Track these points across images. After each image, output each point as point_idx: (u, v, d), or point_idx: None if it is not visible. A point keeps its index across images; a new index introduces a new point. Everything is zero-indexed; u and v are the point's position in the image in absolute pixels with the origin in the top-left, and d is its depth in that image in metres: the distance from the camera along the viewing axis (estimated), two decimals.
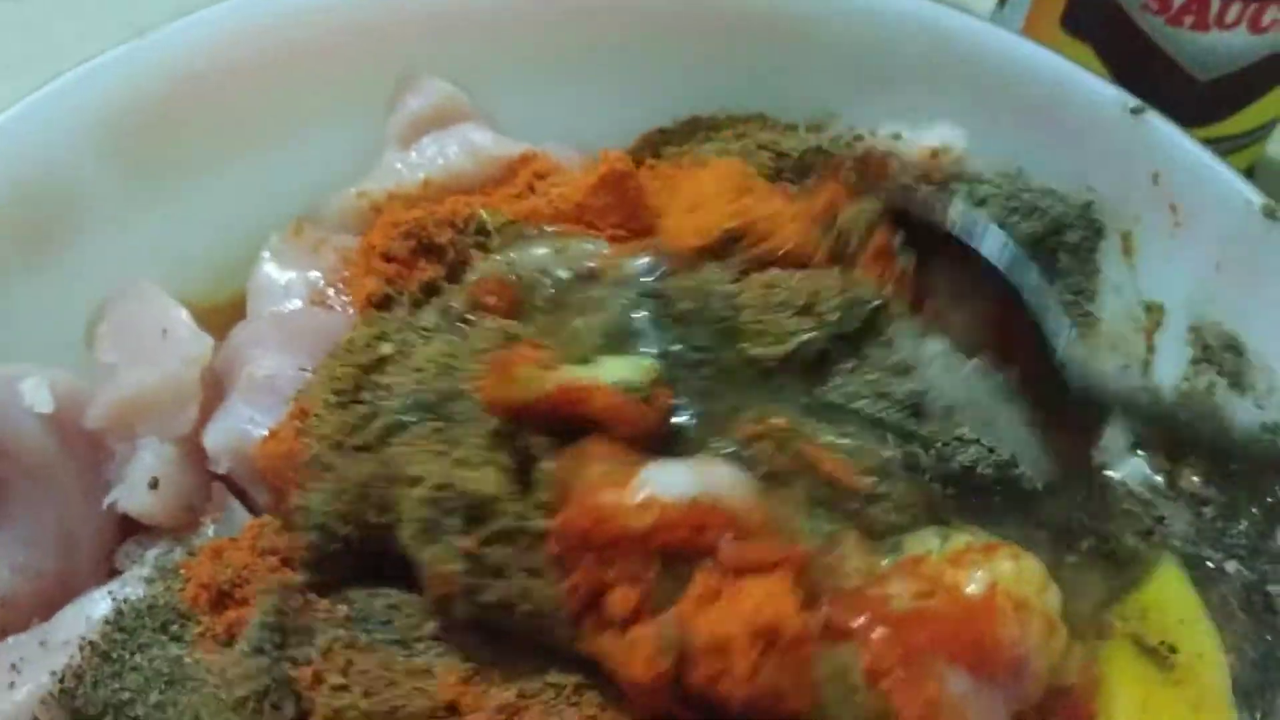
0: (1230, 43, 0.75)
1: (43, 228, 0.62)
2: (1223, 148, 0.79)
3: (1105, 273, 0.67)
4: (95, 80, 0.62)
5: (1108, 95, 0.64)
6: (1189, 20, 0.74)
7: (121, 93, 0.63)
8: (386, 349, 0.58)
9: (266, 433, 0.57)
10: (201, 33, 0.65)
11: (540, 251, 0.62)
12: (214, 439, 0.58)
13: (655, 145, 0.74)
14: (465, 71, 0.71)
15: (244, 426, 0.57)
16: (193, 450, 0.58)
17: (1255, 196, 0.60)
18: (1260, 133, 0.82)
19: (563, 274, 0.61)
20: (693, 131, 0.75)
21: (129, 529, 0.58)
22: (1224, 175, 0.61)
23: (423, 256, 0.63)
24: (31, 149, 0.61)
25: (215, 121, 0.66)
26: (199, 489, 0.58)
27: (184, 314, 0.59)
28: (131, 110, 0.63)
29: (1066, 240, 0.67)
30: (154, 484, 0.56)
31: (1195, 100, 0.78)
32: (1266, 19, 0.73)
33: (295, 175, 0.68)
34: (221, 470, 0.57)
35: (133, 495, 0.56)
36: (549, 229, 0.64)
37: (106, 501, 0.57)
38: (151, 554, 0.57)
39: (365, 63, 0.69)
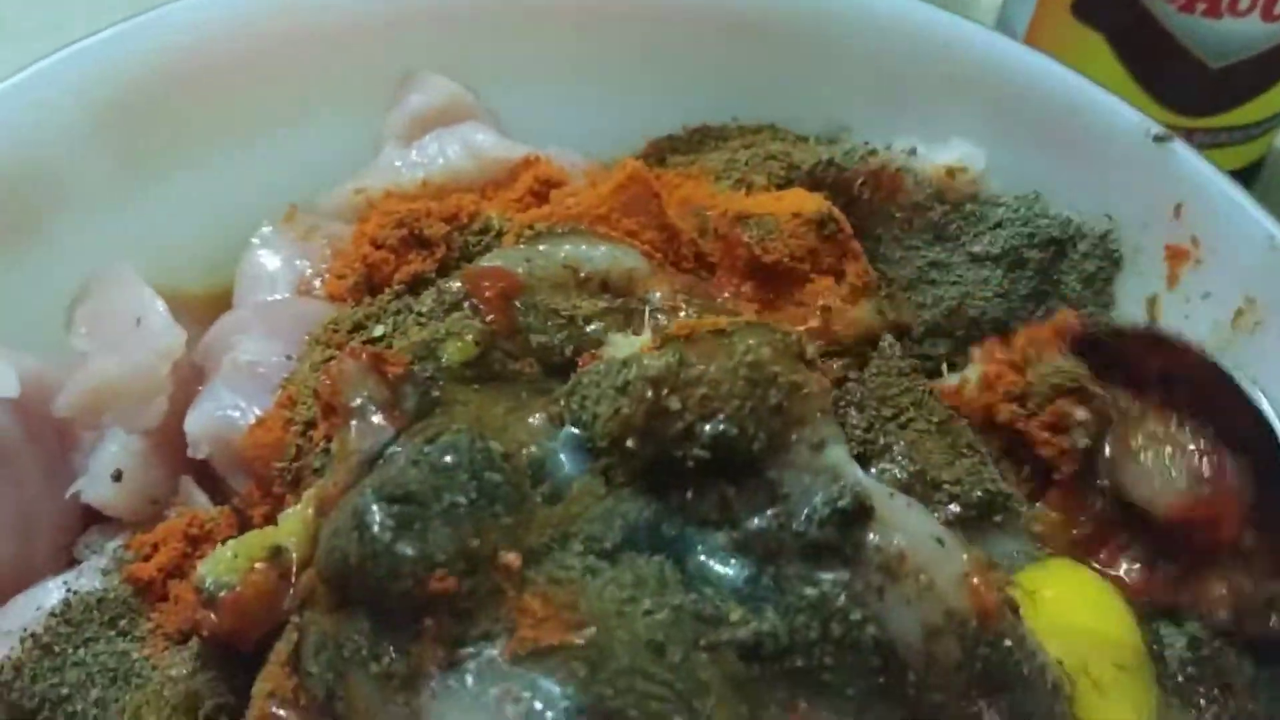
0: (1243, 30, 0.74)
1: (26, 210, 0.61)
2: (1234, 137, 0.80)
3: (1120, 305, 0.64)
4: (85, 60, 0.61)
5: (1131, 120, 0.61)
6: (1201, 7, 0.73)
7: (113, 74, 0.62)
8: (379, 330, 0.57)
9: (252, 420, 0.55)
10: (200, 16, 0.63)
11: (568, 248, 0.57)
12: (195, 424, 0.56)
13: (662, 153, 0.72)
14: (471, 70, 0.70)
15: (228, 413, 0.56)
16: (160, 443, 0.57)
17: (1279, 232, 0.57)
18: (1271, 123, 0.81)
19: (594, 269, 0.57)
20: (701, 141, 0.73)
21: (92, 518, 0.57)
22: (1247, 208, 0.58)
23: (413, 248, 0.61)
24: (17, 129, 0.60)
25: (211, 108, 0.65)
26: (164, 482, 0.57)
27: (160, 304, 0.57)
28: (123, 93, 0.62)
29: (1083, 269, 0.65)
30: (117, 476, 0.55)
31: (1206, 88, 0.78)
32: (1279, 7, 0.72)
33: (292, 167, 0.67)
34: (201, 455, 0.56)
35: (96, 486, 0.55)
36: (581, 227, 0.60)
37: (70, 491, 0.56)
38: (111, 545, 0.55)
39: (368, 57, 0.68)
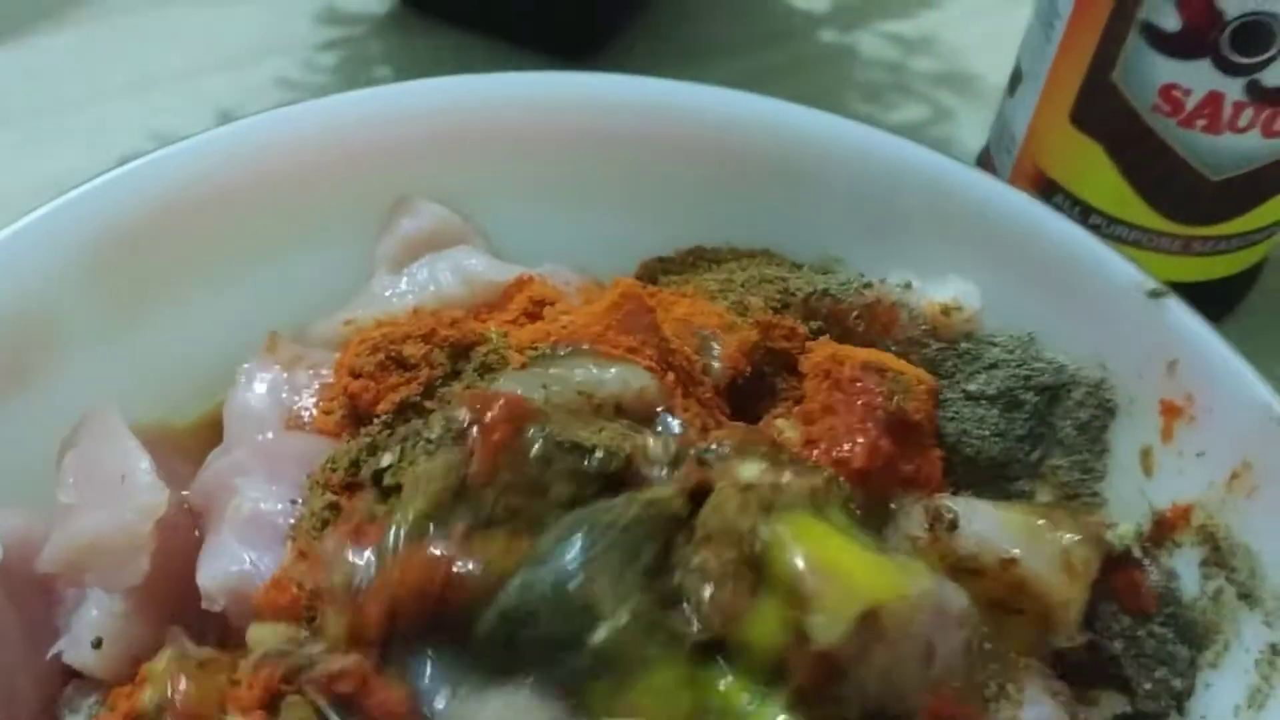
0: (1242, 145, 0.74)
1: (17, 357, 0.61)
2: (1233, 244, 0.80)
3: (1115, 453, 0.63)
4: (74, 210, 0.61)
5: (1126, 273, 0.61)
6: (1201, 123, 0.73)
7: (102, 221, 0.62)
8: (386, 460, 0.55)
9: (266, 573, 0.55)
10: (186, 160, 0.63)
11: (579, 370, 0.55)
12: (210, 579, 0.55)
13: (654, 274, 0.72)
14: (461, 196, 0.69)
15: (243, 568, 0.55)
16: (142, 600, 0.56)
17: (1275, 401, 0.56)
18: (1273, 229, 0.81)
19: (608, 392, 0.55)
20: (695, 262, 0.72)
21: (73, 673, 0.57)
22: (1243, 373, 0.57)
23: (392, 372, 0.60)
24: (11, 280, 0.60)
25: (199, 247, 0.65)
26: (146, 641, 0.56)
27: (144, 461, 0.57)
28: (112, 238, 0.62)
29: (1077, 417, 0.64)
30: (97, 643, 0.55)
31: (1206, 199, 0.77)
32: (1279, 124, 0.72)
33: (282, 300, 0.67)
34: (217, 609, 0.55)
35: (76, 649, 0.55)
36: (585, 347, 0.58)
37: (51, 652, 0.56)
38: (87, 703, 0.55)
39: (358, 186, 0.68)
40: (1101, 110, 0.77)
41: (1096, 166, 0.78)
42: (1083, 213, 0.81)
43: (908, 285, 0.67)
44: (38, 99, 0.97)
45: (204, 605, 0.55)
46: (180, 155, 0.63)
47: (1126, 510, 0.62)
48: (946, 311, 0.66)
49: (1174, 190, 0.77)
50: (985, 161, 0.89)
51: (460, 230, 0.67)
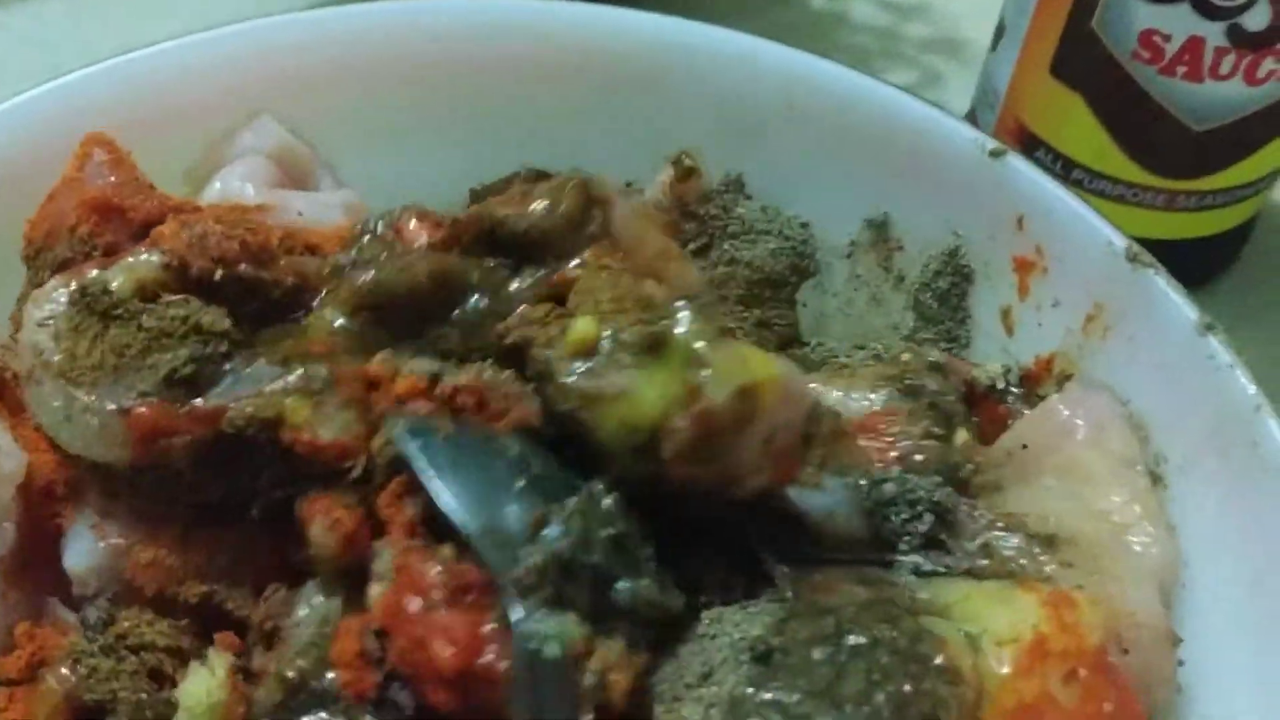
0: (1225, 94, 0.72)
1: None
2: (1219, 199, 0.78)
3: (976, 318, 0.65)
4: None
5: (965, 136, 0.62)
6: (1182, 70, 0.71)
7: None
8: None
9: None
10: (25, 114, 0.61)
11: None
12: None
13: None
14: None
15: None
16: (10, 570, 0.54)
17: (1118, 239, 0.58)
18: (1260, 184, 0.79)
19: None
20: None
21: None
22: (1087, 216, 0.59)
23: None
24: None
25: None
26: (23, 610, 0.54)
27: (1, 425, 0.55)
28: None
29: (937, 286, 0.65)
30: None
31: (1190, 151, 0.75)
32: (1262, 71, 0.71)
33: None
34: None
35: None
36: None
37: None
38: None
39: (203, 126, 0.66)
40: (1081, 59, 0.75)
41: (1077, 119, 0.77)
42: (1064, 167, 0.77)
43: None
44: (32, 64, 0.93)
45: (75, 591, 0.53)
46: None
47: (993, 371, 0.64)
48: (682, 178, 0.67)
49: (1156, 142, 0.76)
50: (971, 121, 0.85)
51: (304, 159, 0.65)
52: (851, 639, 0.44)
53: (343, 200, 0.62)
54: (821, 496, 0.51)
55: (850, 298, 0.69)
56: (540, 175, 0.71)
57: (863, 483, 0.52)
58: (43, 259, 0.56)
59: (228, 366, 0.48)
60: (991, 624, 0.47)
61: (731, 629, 0.46)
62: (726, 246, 0.69)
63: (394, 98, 0.69)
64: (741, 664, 0.44)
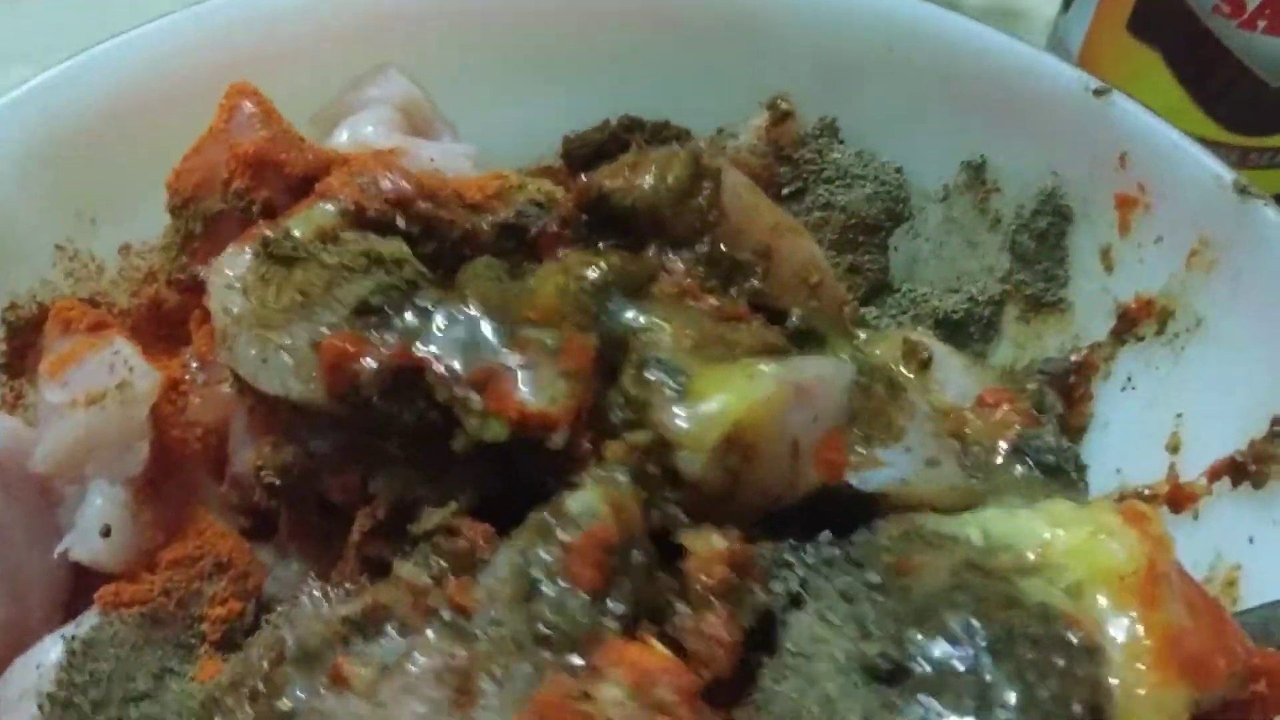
0: None
1: None
2: None
3: (1075, 256, 0.66)
4: (20, 109, 0.59)
5: (1069, 76, 0.63)
6: (1262, 24, 0.71)
7: (51, 120, 0.60)
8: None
9: None
10: (136, 52, 0.62)
11: None
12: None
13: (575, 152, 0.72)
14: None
15: None
16: (145, 489, 0.55)
17: (1226, 172, 0.59)
18: None
19: None
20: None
21: (82, 574, 0.56)
22: (1192, 151, 0.60)
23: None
24: None
25: (154, 146, 0.63)
26: (154, 530, 0.55)
27: (129, 348, 0.56)
28: (62, 137, 0.60)
29: (1035, 226, 0.66)
30: (106, 532, 0.54)
31: (1265, 107, 0.75)
32: None
33: None
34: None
35: (84, 542, 0.54)
36: None
37: (58, 550, 0.54)
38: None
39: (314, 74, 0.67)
40: (1160, 15, 0.75)
41: (1153, 75, 0.76)
42: None
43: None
44: (49, 38, 0.91)
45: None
46: (125, 48, 0.62)
47: (1092, 309, 0.65)
48: (774, 123, 0.68)
49: (1232, 98, 0.75)
50: None
51: (427, 111, 0.66)
52: (983, 637, 0.40)
53: (465, 151, 0.63)
54: (884, 472, 0.48)
55: (943, 241, 0.70)
56: (634, 123, 0.72)
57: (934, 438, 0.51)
58: (192, 210, 0.57)
59: (417, 301, 0.47)
60: (1090, 561, 0.44)
61: (828, 644, 0.42)
62: (821, 191, 0.70)
63: (497, 47, 0.70)
64: (860, 687, 0.40)
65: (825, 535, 0.46)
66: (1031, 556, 0.45)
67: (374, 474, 0.47)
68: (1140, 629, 0.42)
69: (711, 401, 0.45)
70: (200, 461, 0.57)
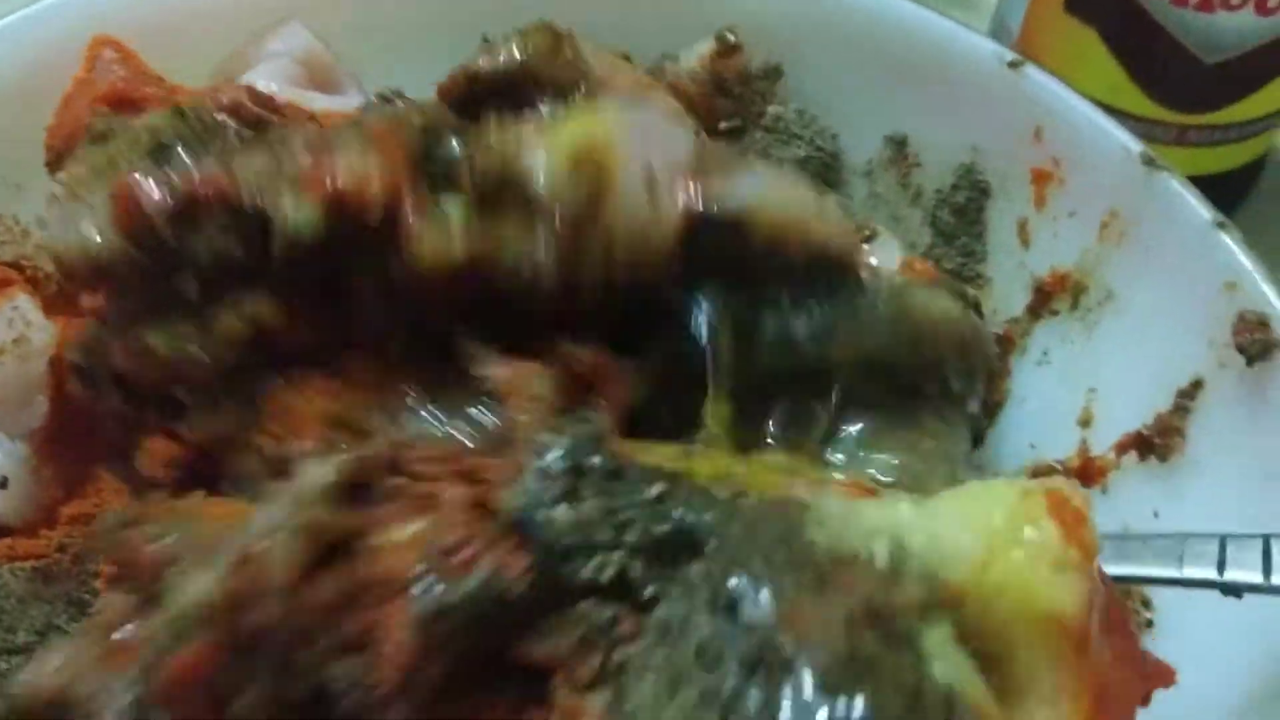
0: (1236, 24, 0.72)
1: None
2: (1230, 134, 0.78)
3: (993, 231, 0.66)
4: None
5: (987, 50, 0.63)
6: (1194, 1, 0.72)
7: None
8: None
9: None
10: (53, 20, 0.62)
11: None
12: None
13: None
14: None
15: None
16: (45, 444, 0.56)
17: (1133, 144, 0.59)
18: (1269, 121, 0.79)
19: None
20: None
21: None
22: (1104, 124, 0.60)
23: None
24: None
25: None
26: (54, 486, 0.56)
27: (29, 303, 0.56)
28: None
29: (953, 200, 0.66)
30: (3, 484, 0.54)
31: (1201, 84, 0.76)
32: (1273, 1, 0.71)
33: None
34: None
35: None
36: None
37: None
38: None
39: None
40: None
41: (1091, 54, 0.77)
42: None
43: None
44: None
45: None
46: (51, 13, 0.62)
47: (1009, 285, 0.65)
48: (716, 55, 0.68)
49: (1169, 75, 0.76)
50: None
51: (330, 65, 0.66)
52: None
53: (358, 104, 0.63)
54: (741, 186, 0.48)
55: (869, 217, 0.70)
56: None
57: None
58: (65, 163, 0.57)
59: (212, 148, 0.47)
60: (1018, 601, 0.36)
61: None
62: (759, 137, 0.69)
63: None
64: None
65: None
66: (948, 582, 0.37)
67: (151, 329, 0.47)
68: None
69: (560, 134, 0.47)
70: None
